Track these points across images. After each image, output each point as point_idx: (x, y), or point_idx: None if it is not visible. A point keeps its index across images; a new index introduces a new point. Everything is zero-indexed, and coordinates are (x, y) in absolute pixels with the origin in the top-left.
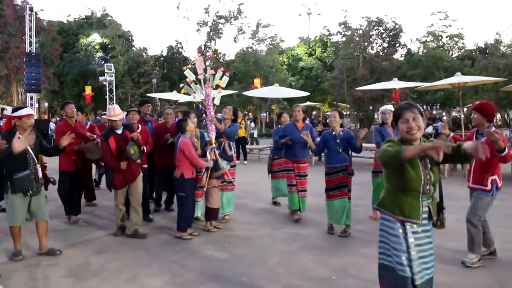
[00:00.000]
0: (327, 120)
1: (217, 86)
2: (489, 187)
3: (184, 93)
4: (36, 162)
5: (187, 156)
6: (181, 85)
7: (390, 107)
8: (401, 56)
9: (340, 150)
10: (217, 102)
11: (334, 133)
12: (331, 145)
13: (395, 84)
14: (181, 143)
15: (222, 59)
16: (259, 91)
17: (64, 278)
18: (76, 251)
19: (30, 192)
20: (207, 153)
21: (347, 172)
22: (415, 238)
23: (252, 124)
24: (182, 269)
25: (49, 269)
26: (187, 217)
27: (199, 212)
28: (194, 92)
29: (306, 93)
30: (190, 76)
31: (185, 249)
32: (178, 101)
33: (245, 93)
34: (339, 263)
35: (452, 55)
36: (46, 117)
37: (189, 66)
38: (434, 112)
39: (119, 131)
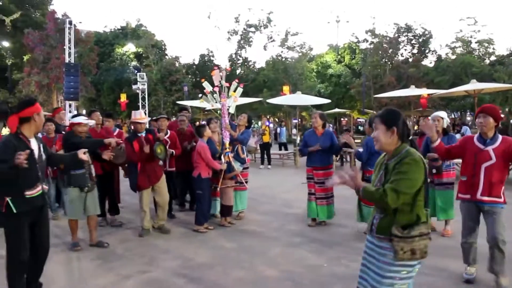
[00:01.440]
0: (359, 127)
1: (229, 96)
2: (502, 198)
3: (202, 102)
4: (91, 162)
5: (204, 158)
6: (200, 95)
7: (440, 113)
8: (431, 63)
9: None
10: (232, 110)
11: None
12: (375, 151)
13: (412, 91)
14: (199, 146)
15: (253, 66)
16: (282, 99)
17: (93, 260)
18: (103, 240)
19: (86, 188)
20: (222, 156)
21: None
22: (366, 246)
23: (294, 130)
24: (194, 255)
25: (81, 253)
26: (203, 213)
27: (217, 209)
28: (212, 102)
29: (328, 100)
30: (208, 88)
31: (200, 240)
32: (206, 109)
33: (268, 100)
34: (334, 254)
35: (484, 61)
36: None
37: (206, 78)
38: (468, 118)
39: (142, 134)
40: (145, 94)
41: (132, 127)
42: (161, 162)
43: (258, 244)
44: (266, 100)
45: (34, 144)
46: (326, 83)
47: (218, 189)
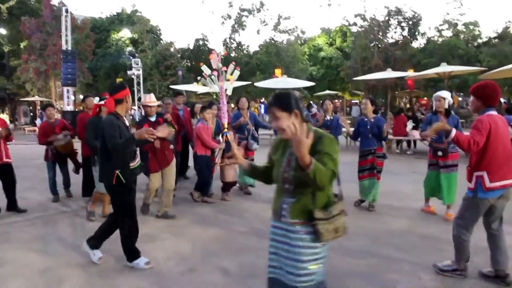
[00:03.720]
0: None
1: (228, 80)
2: (472, 184)
3: (202, 85)
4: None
5: (200, 138)
6: (198, 78)
7: (443, 93)
8: (420, 45)
9: (370, 135)
10: (229, 92)
11: (366, 119)
12: (362, 130)
13: (389, 74)
14: (197, 127)
15: (246, 50)
16: (269, 82)
17: (97, 227)
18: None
19: None
20: (220, 137)
21: (376, 155)
22: (273, 232)
23: None
24: (180, 218)
25: (86, 221)
26: (202, 184)
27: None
28: (210, 84)
29: (312, 83)
30: (206, 71)
31: (195, 214)
32: (197, 92)
33: (256, 84)
34: None
35: (471, 43)
36: (82, 108)
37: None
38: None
39: (153, 119)
40: (140, 79)
41: (143, 111)
42: (171, 146)
43: (242, 215)
44: (254, 84)
45: (127, 122)
46: (318, 65)
47: (217, 167)
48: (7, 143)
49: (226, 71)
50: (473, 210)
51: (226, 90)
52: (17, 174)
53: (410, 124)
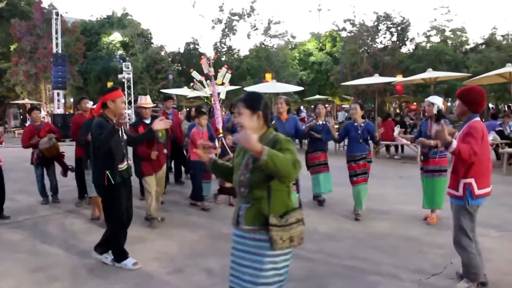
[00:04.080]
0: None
1: (222, 83)
2: (460, 192)
3: (193, 91)
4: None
5: (194, 143)
6: (191, 84)
7: (433, 99)
8: (409, 51)
9: (361, 140)
10: (222, 96)
11: (355, 124)
12: (352, 135)
13: (376, 79)
14: (191, 133)
15: (237, 55)
16: (258, 87)
17: (84, 227)
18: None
19: None
20: (216, 141)
21: (367, 160)
22: (234, 240)
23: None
24: (169, 221)
25: (75, 219)
26: (195, 190)
27: (210, 192)
28: (202, 89)
29: (301, 88)
30: (197, 77)
31: (184, 217)
32: (188, 96)
33: (245, 88)
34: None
35: (458, 49)
36: (71, 111)
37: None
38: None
39: (148, 121)
40: (130, 83)
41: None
42: (165, 151)
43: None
44: (244, 88)
45: None
46: (308, 70)
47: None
48: None
49: (217, 74)
50: (467, 217)
51: (219, 94)
52: (7, 177)
53: (397, 129)
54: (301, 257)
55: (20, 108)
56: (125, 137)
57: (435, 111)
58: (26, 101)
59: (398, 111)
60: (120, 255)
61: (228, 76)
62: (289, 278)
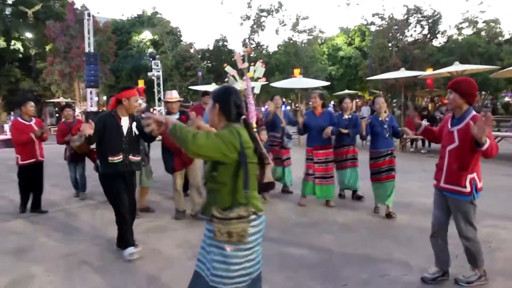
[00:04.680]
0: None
1: (258, 78)
2: (468, 188)
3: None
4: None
5: None
6: (226, 79)
7: None
8: (440, 44)
9: (387, 136)
10: (257, 91)
11: (380, 119)
12: (377, 130)
13: (402, 73)
14: None
15: (265, 51)
16: (285, 82)
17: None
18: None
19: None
20: None
21: (393, 156)
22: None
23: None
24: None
25: (106, 210)
26: None
27: None
28: (236, 84)
29: (327, 83)
30: (230, 72)
31: None
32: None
33: (272, 84)
34: (329, 211)
35: (492, 40)
36: (104, 109)
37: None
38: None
39: (176, 116)
40: (160, 80)
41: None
42: None
43: None
44: (270, 84)
45: (124, 122)
46: (337, 65)
47: None
48: (42, 142)
49: (249, 67)
50: (473, 210)
51: (253, 88)
52: (44, 172)
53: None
54: (315, 246)
55: (55, 107)
56: (135, 133)
57: None
58: (61, 99)
59: (430, 105)
60: (121, 242)
61: (262, 70)
62: (302, 265)
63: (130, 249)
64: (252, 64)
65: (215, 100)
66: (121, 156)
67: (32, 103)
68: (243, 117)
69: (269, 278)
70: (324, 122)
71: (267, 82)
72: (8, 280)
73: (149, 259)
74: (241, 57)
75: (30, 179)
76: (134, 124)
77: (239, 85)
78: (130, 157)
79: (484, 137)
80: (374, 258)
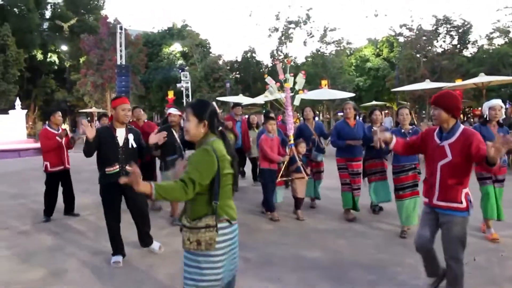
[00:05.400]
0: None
1: (297, 91)
2: (464, 203)
3: (266, 97)
4: (182, 149)
5: (261, 150)
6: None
7: (500, 102)
8: (471, 54)
9: None
10: (296, 102)
11: (403, 130)
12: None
13: (427, 85)
14: (260, 139)
15: (293, 62)
16: (311, 94)
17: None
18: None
19: None
20: (286, 149)
21: (417, 171)
22: None
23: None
24: None
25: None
26: (266, 200)
27: (278, 199)
28: (275, 94)
29: (352, 94)
30: (269, 82)
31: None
32: (243, 104)
33: (297, 96)
34: (332, 223)
35: None
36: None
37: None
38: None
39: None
40: (188, 92)
41: None
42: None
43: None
44: (296, 96)
45: (119, 133)
46: (364, 76)
47: (278, 180)
48: (68, 150)
49: (291, 78)
50: (466, 229)
51: (293, 100)
52: (74, 178)
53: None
54: (329, 250)
55: (88, 116)
56: (132, 145)
57: (503, 116)
58: (94, 109)
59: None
60: (141, 241)
61: (303, 81)
62: (314, 266)
63: (115, 258)
64: (292, 74)
65: (203, 117)
66: (118, 167)
67: (59, 113)
68: (220, 128)
69: (282, 278)
70: (359, 133)
71: (292, 94)
72: (45, 273)
73: (171, 260)
74: (282, 67)
75: (58, 187)
76: (131, 136)
77: (278, 95)
78: (127, 167)
79: (498, 157)
80: (384, 263)
